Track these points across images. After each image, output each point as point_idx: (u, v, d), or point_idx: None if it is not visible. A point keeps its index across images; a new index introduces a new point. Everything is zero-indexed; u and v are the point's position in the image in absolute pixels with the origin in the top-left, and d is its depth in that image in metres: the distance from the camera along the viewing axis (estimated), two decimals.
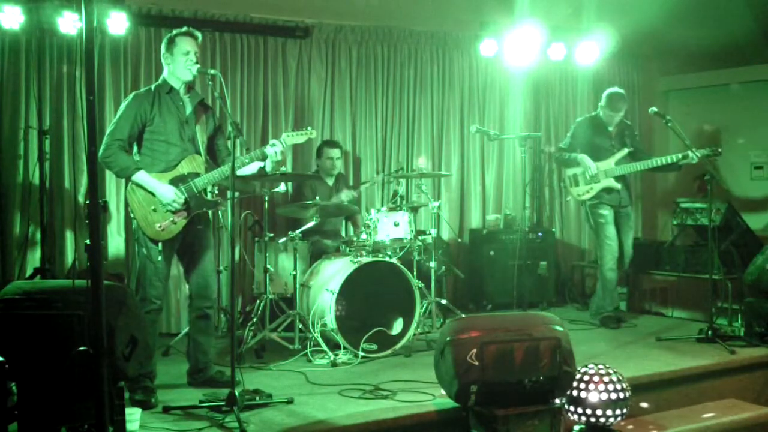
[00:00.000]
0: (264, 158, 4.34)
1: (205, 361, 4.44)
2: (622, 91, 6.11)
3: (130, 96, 4.26)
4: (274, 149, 4.31)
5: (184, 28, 4.27)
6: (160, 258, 4.16)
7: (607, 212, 6.02)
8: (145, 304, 4.17)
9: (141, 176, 4.12)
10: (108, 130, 4.18)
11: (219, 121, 4.52)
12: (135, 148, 4.25)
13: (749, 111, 7.64)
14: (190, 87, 4.35)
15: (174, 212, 4.16)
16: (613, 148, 6.03)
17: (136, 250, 4.30)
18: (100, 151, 4.07)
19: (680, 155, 5.74)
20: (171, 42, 4.24)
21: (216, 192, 5.58)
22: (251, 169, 4.45)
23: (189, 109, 4.32)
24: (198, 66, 4.21)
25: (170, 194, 4.13)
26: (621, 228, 6.13)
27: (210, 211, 4.43)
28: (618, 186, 5.98)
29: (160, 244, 4.16)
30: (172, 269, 5.98)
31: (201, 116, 4.37)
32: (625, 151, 6.00)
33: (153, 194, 4.13)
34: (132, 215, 4.19)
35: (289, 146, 4.39)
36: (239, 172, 4.33)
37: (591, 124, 6.13)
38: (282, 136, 4.42)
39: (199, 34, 4.29)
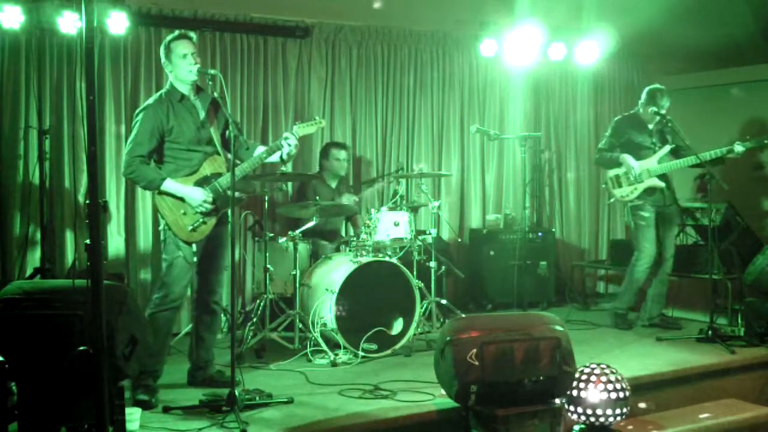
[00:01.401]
0: (278, 150, 4.36)
1: (206, 359, 4.46)
2: (663, 87, 5.94)
3: (143, 110, 4.26)
4: (287, 142, 4.33)
5: (176, 32, 4.29)
6: (195, 259, 4.23)
7: (648, 214, 5.83)
8: (165, 302, 4.22)
9: (169, 185, 4.17)
10: (127, 147, 4.21)
11: (229, 114, 4.50)
12: (155, 156, 4.27)
13: (749, 111, 7.63)
14: (198, 89, 4.37)
15: (203, 213, 4.21)
16: (655, 146, 5.83)
17: (161, 250, 4.32)
18: (123, 169, 4.21)
19: (725, 149, 5.54)
20: (167, 49, 4.26)
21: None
22: (273, 158, 4.45)
23: (203, 114, 4.34)
24: (198, 66, 4.21)
25: (200, 197, 4.19)
26: (664, 227, 5.93)
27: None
28: (662, 185, 5.79)
29: (194, 245, 4.22)
30: None
31: (213, 116, 4.40)
32: (667, 148, 5.80)
33: (182, 199, 4.18)
34: (163, 220, 4.23)
35: (299, 138, 4.41)
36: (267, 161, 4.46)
37: (630, 122, 5.95)
38: (294, 128, 4.44)
39: (192, 35, 4.31)
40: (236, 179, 4.27)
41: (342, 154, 6.22)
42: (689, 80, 8.07)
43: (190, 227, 4.20)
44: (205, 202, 4.20)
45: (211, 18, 6.19)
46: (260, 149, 4.44)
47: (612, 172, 5.92)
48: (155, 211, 4.85)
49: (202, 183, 4.25)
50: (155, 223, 5.84)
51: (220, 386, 4.26)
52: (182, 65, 4.22)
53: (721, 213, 6.38)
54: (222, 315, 5.85)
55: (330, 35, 6.68)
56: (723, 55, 7.63)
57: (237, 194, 4.41)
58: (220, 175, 4.30)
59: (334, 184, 6.26)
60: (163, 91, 4.35)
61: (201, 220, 4.22)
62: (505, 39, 6.83)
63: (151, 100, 4.34)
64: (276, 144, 4.37)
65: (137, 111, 4.32)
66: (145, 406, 3.98)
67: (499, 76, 7.39)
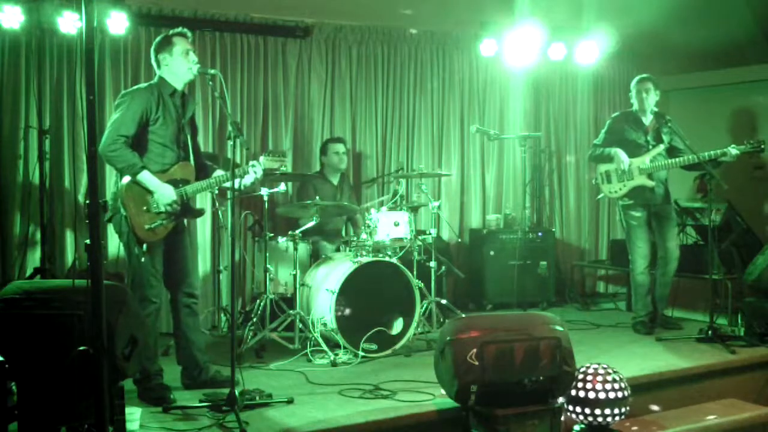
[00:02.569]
0: (244, 175, 4.31)
1: (204, 360, 4.43)
2: (648, 75, 5.86)
3: (133, 91, 4.18)
4: (254, 170, 4.30)
5: (179, 28, 4.23)
6: (143, 259, 4.09)
7: (639, 214, 5.77)
8: (145, 304, 4.12)
9: (146, 175, 4.05)
10: (111, 126, 4.07)
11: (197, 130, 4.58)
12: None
13: (749, 111, 7.63)
14: (183, 94, 4.31)
15: (166, 215, 4.12)
16: (648, 144, 5.75)
17: (127, 251, 4.22)
18: (103, 145, 3.99)
19: (718, 151, 5.45)
20: (168, 42, 4.18)
21: (216, 192, 5.60)
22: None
23: (188, 115, 4.31)
24: (198, 66, 4.20)
25: (171, 195, 4.11)
26: (662, 228, 5.83)
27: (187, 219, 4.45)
28: (651, 184, 5.69)
29: (144, 246, 4.09)
30: None
31: (191, 123, 4.38)
32: (661, 147, 5.72)
33: (151, 193, 4.08)
34: (123, 213, 4.06)
35: (264, 169, 4.38)
36: (225, 186, 4.39)
37: (626, 118, 5.88)
38: (261, 158, 4.37)
39: (190, 33, 4.27)
40: (204, 190, 4.34)
41: (340, 148, 6.22)
42: (689, 80, 8.08)
43: (147, 226, 4.07)
44: (174, 202, 4.11)
45: (211, 18, 6.19)
46: (219, 173, 4.37)
47: (603, 168, 5.84)
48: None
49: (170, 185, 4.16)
50: None
51: (220, 386, 4.24)
52: (184, 62, 4.17)
53: (721, 213, 6.37)
54: (222, 315, 5.88)
55: (330, 35, 6.69)
56: (723, 55, 7.63)
57: (201, 208, 4.54)
58: (188, 182, 4.22)
59: (335, 181, 6.26)
60: (153, 81, 4.28)
61: (160, 222, 4.10)
62: (505, 39, 6.83)
63: (141, 86, 4.27)
64: (242, 170, 4.29)
65: (123, 93, 4.21)
66: (164, 401, 3.99)
67: (499, 76, 7.39)
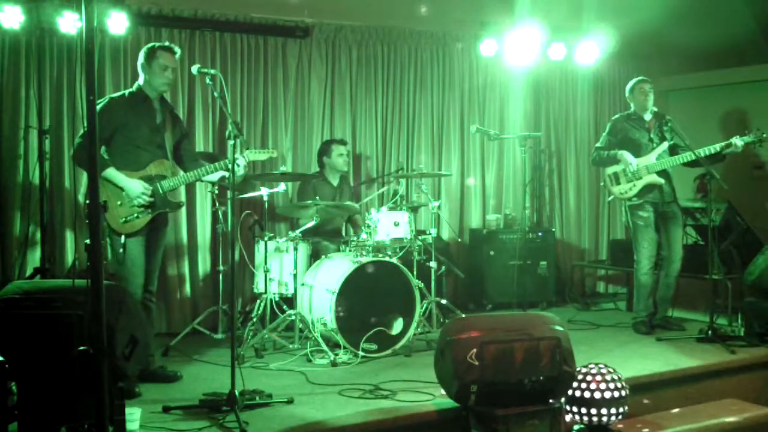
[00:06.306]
0: (225, 170, 4.49)
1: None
2: (644, 77, 5.90)
3: (106, 101, 4.41)
4: (236, 164, 4.36)
5: (166, 43, 4.53)
6: (121, 251, 4.31)
7: (647, 214, 5.74)
8: None
9: (111, 172, 4.31)
10: (82, 131, 4.16)
11: (186, 129, 4.88)
12: (104, 147, 4.40)
13: (748, 111, 7.64)
14: (161, 98, 4.57)
15: (139, 207, 4.35)
16: (652, 143, 5.76)
17: (110, 248, 4.41)
18: (74, 149, 4.30)
19: (722, 144, 5.47)
20: (152, 55, 4.43)
21: (216, 191, 5.61)
22: (214, 177, 4.67)
23: (160, 118, 4.53)
24: (198, 66, 4.23)
25: (138, 188, 4.35)
26: (668, 227, 5.83)
27: (168, 213, 4.64)
28: (661, 181, 5.69)
29: (123, 237, 4.32)
30: (169, 269, 6.02)
31: (169, 124, 4.59)
32: (665, 144, 5.73)
33: (121, 189, 4.33)
34: None
35: (249, 161, 4.63)
36: (205, 179, 4.67)
37: (627, 119, 5.88)
38: (245, 152, 4.58)
39: (178, 51, 4.52)
40: (181, 185, 4.62)
41: (344, 149, 6.21)
42: (689, 80, 8.08)
43: (123, 219, 4.32)
44: (143, 194, 4.35)
45: (211, 18, 6.19)
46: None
47: (610, 170, 5.83)
48: None
49: (144, 181, 4.40)
50: None
51: (165, 380, 4.42)
52: (160, 77, 4.43)
53: (721, 213, 6.37)
54: (222, 315, 5.87)
55: (330, 35, 6.68)
56: (723, 55, 7.64)
57: (180, 200, 4.78)
58: (163, 177, 4.47)
59: (335, 182, 6.24)
60: (128, 90, 4.54)
61: (135, 214, 4.35)
62: (505, 39, 6.83)
63: (115, 95, 4.54)
64: (224, 163, 4.48)
65: (98, 100, 4.37)
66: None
67: (499, 76, 7.39)
